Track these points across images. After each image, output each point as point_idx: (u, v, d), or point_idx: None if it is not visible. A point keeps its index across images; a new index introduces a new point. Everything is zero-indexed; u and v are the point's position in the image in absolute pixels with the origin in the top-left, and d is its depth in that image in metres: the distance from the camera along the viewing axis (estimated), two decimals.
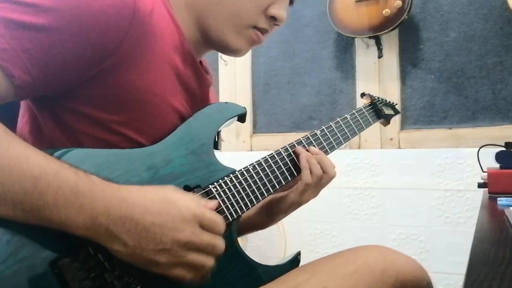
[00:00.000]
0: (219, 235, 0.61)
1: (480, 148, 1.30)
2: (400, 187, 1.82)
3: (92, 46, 0.58)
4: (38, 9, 0.55)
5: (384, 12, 1.77)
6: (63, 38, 0.56)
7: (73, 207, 0.51)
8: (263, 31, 0.75)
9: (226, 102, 0.78)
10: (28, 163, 0.51)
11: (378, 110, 1.00)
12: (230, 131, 2.19)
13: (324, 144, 0.85)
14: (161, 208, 0.56)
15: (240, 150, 2.19)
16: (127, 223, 0.53)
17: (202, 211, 0.59)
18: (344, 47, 2.02)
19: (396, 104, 1.13)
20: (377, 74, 1.94)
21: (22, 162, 0.51)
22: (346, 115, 0.92)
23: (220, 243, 0.60)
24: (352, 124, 0.91)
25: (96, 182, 0.54)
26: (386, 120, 1.04)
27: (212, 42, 0.75)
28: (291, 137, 2.26)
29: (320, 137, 0.85)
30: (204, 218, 0.59)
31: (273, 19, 0.74)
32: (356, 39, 1.96)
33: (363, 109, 0.97)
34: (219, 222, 0.61)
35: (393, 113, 1.09)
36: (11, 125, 0.68)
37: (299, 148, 0.80)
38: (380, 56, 1.90)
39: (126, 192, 0.55)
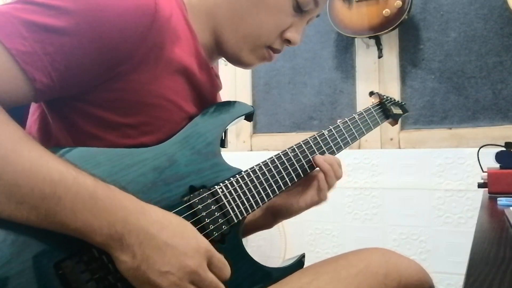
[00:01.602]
0: (223, 281, 0.59)
1: (480, 148, 1.30)
2: (401, 187, 1.82)
3: (111, 50, 0.58)
4: (61, 11, 0.55)
5: (384, 12, 1.77)
6: (84, 42, 0.56)
7: (90, 213, 0.51)
8: (276, 51, 0.76)
9: (234, 101, 0.77)
10: (48, 168, 0.51)
11: (387, 110, 0.98)
12: (230, 131, 2.19)
13: (332, 144, 0.83)
14: (177, 231, 0.56)
15: (240, 150, 2.19)
16: (142, 235, 0.53)
17: (214, 251, 0.59)
18: (344, 47, 2.02)
19: (405, 104, 1.10)
20: (377, 74, 1.94)
21: (42, 166, 0.51)
22: (354, 114, 0.90)
23: None
24: (360, 124, 0.90)
25: (116, 191, 0.54)
26: (394, 120, 1.01)
27: (225, 53, 0.76)
28: (292, 137, 2.24)
29: (327, 137, 0.83)
30: (214, 257, 0.58)
31: (288, 41, 0.75)
32: (356, 39, 1.96)
33: (372, 108, 0.95)
34: (228, 268, 0.60)
35: (402, 112, 1.05)
36: (21, 122, 0.68)
37: (316, 158, 0.80)
38: (380, 56, 1.90)
39: (146, 206, 0.56)
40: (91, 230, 0.52)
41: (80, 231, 0.52)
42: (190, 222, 0.61)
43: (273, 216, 0.85)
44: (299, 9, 0.72)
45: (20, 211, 0.50)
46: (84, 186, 0.52)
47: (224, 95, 0.86)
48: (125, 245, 0.53)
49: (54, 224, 0.51)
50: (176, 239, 0.55)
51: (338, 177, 0.81)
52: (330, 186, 0.79)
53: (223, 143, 0.74)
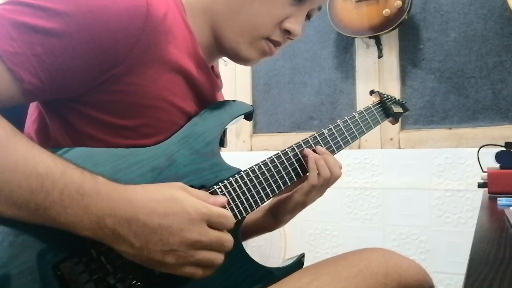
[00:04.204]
0: (227, 230, 0.60)
1: (480, 148, 1.30)
2: (400, 187, 1.82)
3: (103, 52, 0.57)
4: (51, 13, 0.55)
5: (384, 12, 1.77)
6: (75, 44, 0.56)
7: (78, 208, 0.51)
8: (276, 44, 0.74)
9: (233, 100, 0.76)
10: (35, 162, 0.51)
11: (387, 109, 0.97)
12: (230, 131, 2.19)
13: (332, 143, 0.83)
14: (168, 209, 0.55)
15: (240, 150, 2.19)
16: (134, 224, 0.53)
17: (209, 209, 0.58)
18: (344, 47, 2.02)
19: (406, 102, 1.10)
20: (377, 74, 1.94)
21: (29, 161, 0.51)
22: (354, 113, 0.89)
23: (229, 239, 0.60)
24: (361, 123, 0.89)
25: (102, 183, 0.54)
26: (395, 118, 1.01)
27: (224, 49, 0.75)
28: (291, 137, 2.24)
29: (327, 136, 0.83)
30: (212, 216, 0.58)
31: (288, 32, 0.73)
32: (356, 39, 1.96)
33: (372, 107, 0.94)
34: (228, 216, 0.61)
35: (402, 111, 1.05)
36: (20, 123, 0.68)
37: (307, 150, 0.79)
38: (380, 56, 1.90)
39: (133, 193, 0.55)
40: (82, 225, 0.52)
41: (71, 226, 0.52)
42: None
43: (273, 216, 0.85)
44: None
45: (12, 206, 0.50)
46: (71, 180, 0.52)
47: (224, 95, 0.86)
48: (119, 237, 0.53)
49: (45, 219, 0.51)
50: (169, 218, 0.55)
51: (334, 174, 0.78)
52: (322, 177, 0.77)
53: (222, 143, 0.74)
